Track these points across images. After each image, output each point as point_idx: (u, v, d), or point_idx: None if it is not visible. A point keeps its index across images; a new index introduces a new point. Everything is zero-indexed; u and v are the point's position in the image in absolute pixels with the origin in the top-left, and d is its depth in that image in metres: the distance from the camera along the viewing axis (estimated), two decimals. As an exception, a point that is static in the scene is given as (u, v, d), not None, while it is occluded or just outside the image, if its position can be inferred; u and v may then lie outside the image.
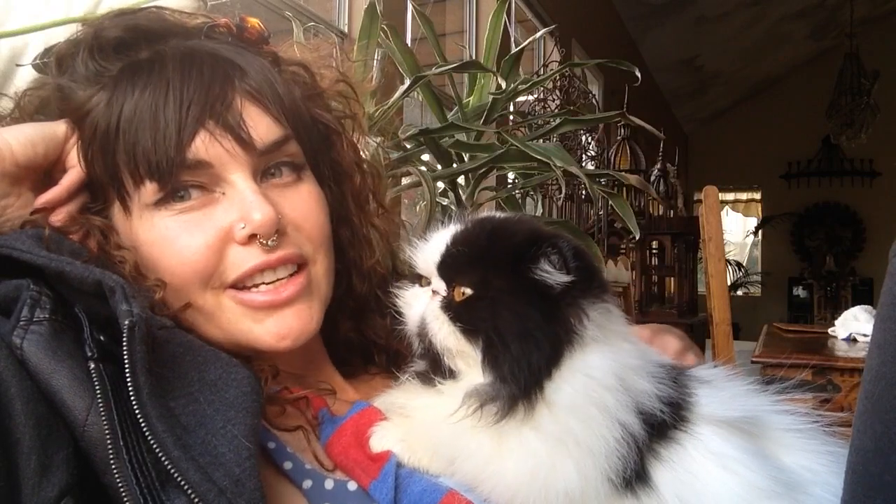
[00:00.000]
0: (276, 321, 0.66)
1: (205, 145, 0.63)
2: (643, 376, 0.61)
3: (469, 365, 0.62)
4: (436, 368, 0.65)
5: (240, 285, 0.66)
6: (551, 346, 0.59)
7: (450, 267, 0.64)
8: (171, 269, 0.64)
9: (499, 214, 0.70)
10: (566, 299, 0.61)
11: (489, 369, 0.60)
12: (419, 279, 0.68)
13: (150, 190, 0.64)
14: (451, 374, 0.64)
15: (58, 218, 0.64)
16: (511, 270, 0.62)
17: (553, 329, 0.60)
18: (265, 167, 0.68)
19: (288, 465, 0.62)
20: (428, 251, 0.67)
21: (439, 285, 0.65)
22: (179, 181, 0.64)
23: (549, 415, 0.58)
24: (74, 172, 0.66)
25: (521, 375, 0.58)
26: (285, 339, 0.66)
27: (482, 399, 0.59)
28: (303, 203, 0.70)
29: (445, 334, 0.63)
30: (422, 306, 0.66)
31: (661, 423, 0.59)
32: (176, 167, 0.63)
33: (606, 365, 0.60)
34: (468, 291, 0.62)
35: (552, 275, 0.61)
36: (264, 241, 0.64)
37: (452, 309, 0.63)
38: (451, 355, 0.63)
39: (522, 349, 0.59)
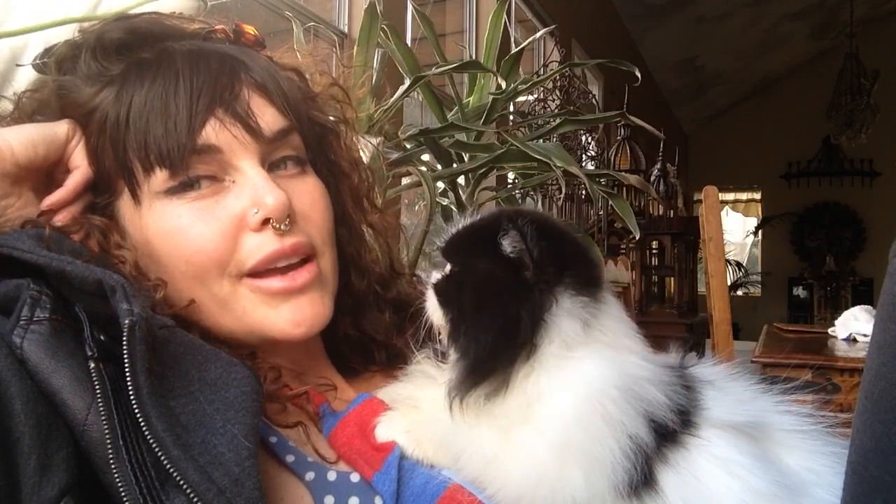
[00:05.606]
0: (291, 308, 0.67)
1: (215, 132, 0.65)
2: (651, 383, 0.59)
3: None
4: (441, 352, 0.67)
5: (255, 273, 0.66)
6: (510, 325, 0.58)
7: (446, 249, 0.68)
8: (188, 257, 0.65)
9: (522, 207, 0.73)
10: (540, 284, 0.60)
11: (452, 344, 0.62)
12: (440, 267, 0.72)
13: (160, 178, 0.65)
14: (445, 357, 0.66)
15: (60, 217, 0.64)
16: (483, 249, 0.63)
17: (516, 310, 0.58)
18: (272, 160, 0.69)
19: (290, 458, 0.62)
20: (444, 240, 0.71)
21: (445, 268, 0.68)
22: (190, 171, 0.65)
23: (551, 419, 0.58)
24: (79, 173, 0.66)
25: (471, 349, 0.59)
26: (300, 326, 0.67)
27: (450, 384, 0.60)
28: (309, 194, 0.71)
29: (432, 308, 0.66)
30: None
31: (670, 429, 0.58)
32: (187, 153, 0.64)
33: (604, 374, 0.58)
34: (451, 269, 0.66)
35: (516, 254, 0.60)
36: (277, 226, 0.65)
37: (438, 284, 0.66)
38: (439, 332, 0.66)
39: (476, 322, 0.60)
